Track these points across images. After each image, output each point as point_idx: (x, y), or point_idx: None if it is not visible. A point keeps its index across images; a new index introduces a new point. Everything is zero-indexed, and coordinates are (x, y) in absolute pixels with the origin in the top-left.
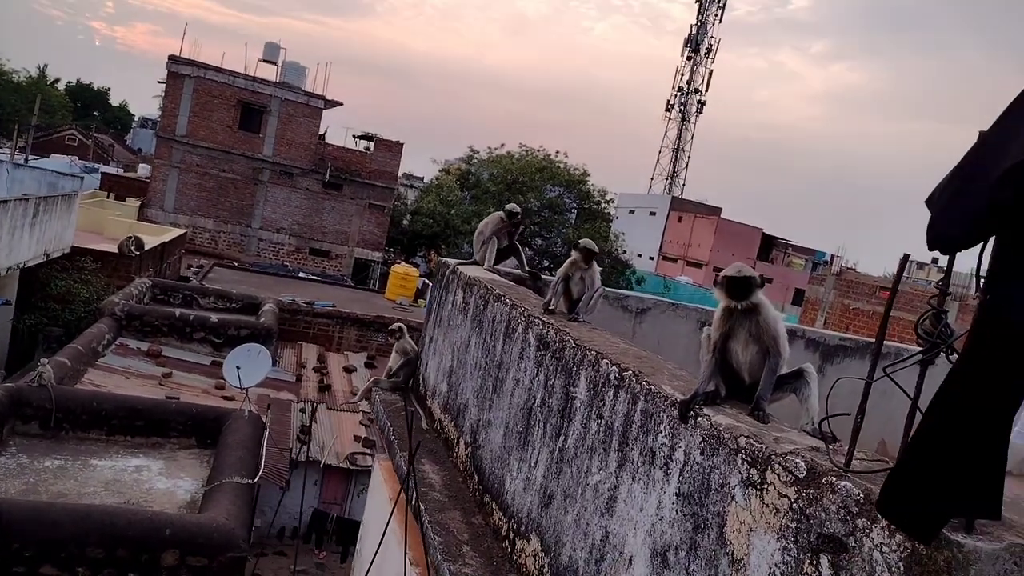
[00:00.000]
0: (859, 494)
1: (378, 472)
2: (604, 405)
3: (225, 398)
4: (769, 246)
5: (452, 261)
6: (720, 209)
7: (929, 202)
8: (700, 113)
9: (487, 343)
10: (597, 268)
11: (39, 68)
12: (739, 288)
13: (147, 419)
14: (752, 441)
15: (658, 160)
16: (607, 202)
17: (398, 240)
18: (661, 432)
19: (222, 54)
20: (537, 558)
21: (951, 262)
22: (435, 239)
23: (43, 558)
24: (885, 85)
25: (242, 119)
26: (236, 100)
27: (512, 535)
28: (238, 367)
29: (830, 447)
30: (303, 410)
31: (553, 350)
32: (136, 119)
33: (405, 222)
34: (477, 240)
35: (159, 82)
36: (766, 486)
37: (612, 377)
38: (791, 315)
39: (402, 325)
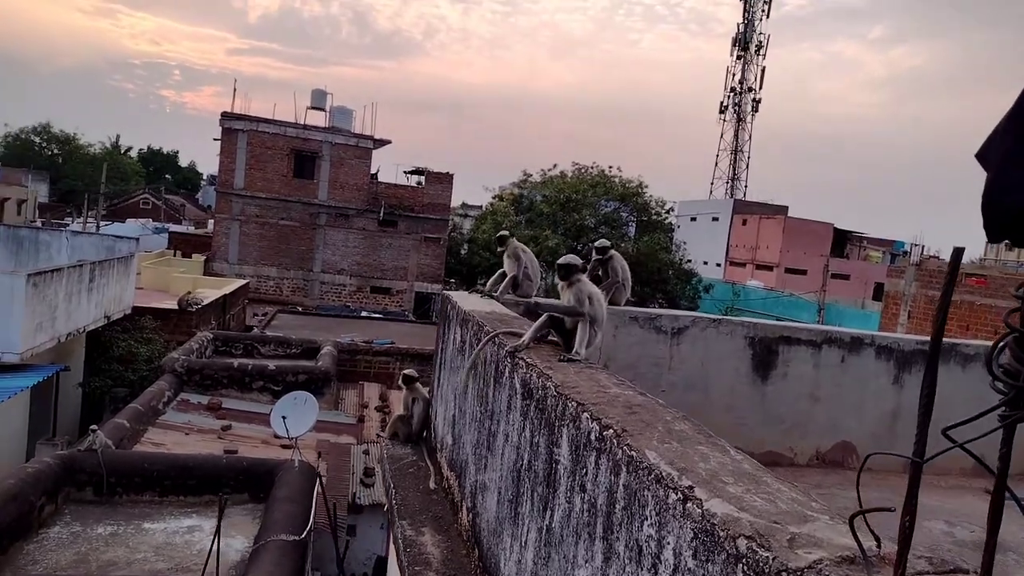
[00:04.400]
0: None
1: (391, 541)
2: (586, 474)
3: (285, 447)
4: (843, 241)
5: (453, 294)
6: (786, 208)
7: (982, 157)
8: (756, 112)
9: (481, 389)
10: (587, 288)
11: (110, 139)
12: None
13: (199, 477)
14: (755, 545)
15: (716, 164)
16: (666, 212)
17: (457, 270)
18: (647, 519)
19: (273, 105)
20: None
21: None
22: (493, 268)
23: None
24: (951, 63)
25: (296, 167)
26: (289, 149)
27: None
28: (284, 417)
29: (868, 558)
30: (366, 452)
31: (536, 399)
32: (204, 177)
33: (463, 252)
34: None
35: (214, 139)
36: None
37: (593, 437)
38: (872, 311)
39: (415, 373)
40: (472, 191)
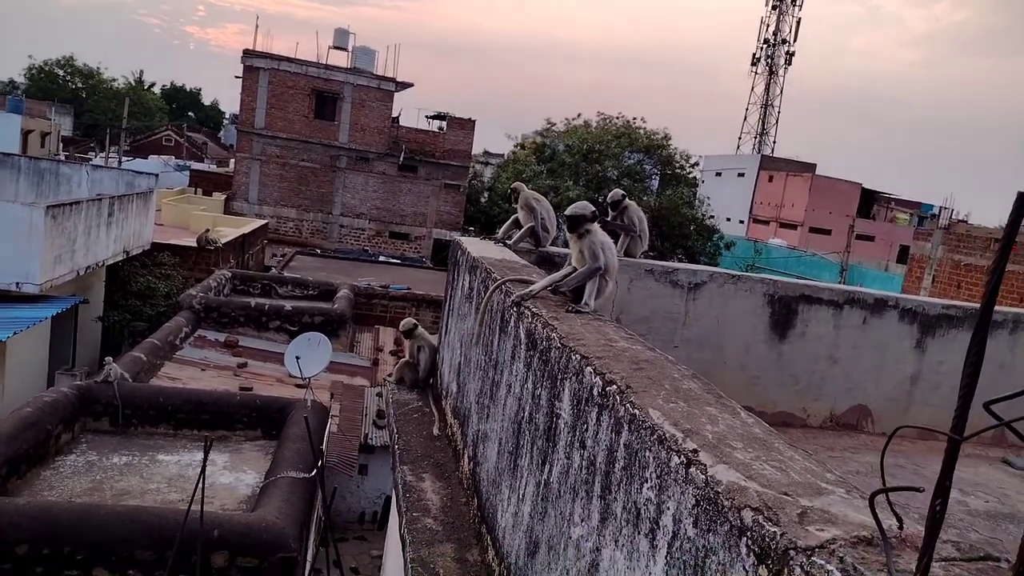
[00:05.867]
0: None
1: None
2: (587, 431)
3: (299, 387)
4: (870, 201)
5: (464, 240)
6: (814, 166)
7: None
8: (789, 65)
9: (487, 337)
10: (599, 238)
11: (133, 74)
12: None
13: (212, 412)
14: (761, 518)
15: (745, 118)
16: (691, 166)
17: (476, 218)
18: (646, 482)
19: (295, 44)
20: None
21: None
22: (511, 215)
23: (95, 561)
24: (996, 19)
25: (317, 107)
26: (310, 89)
27: None
28: (297, 357)
29: (887, 540)
30: (379, 394)
31: (540, 350)
32: (227, 116)
33: (483, 200)
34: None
35: (236, 77)
36: None
37: (595, 392)
38: (895, 274)
39: (414, 321)
40: (494, 139)
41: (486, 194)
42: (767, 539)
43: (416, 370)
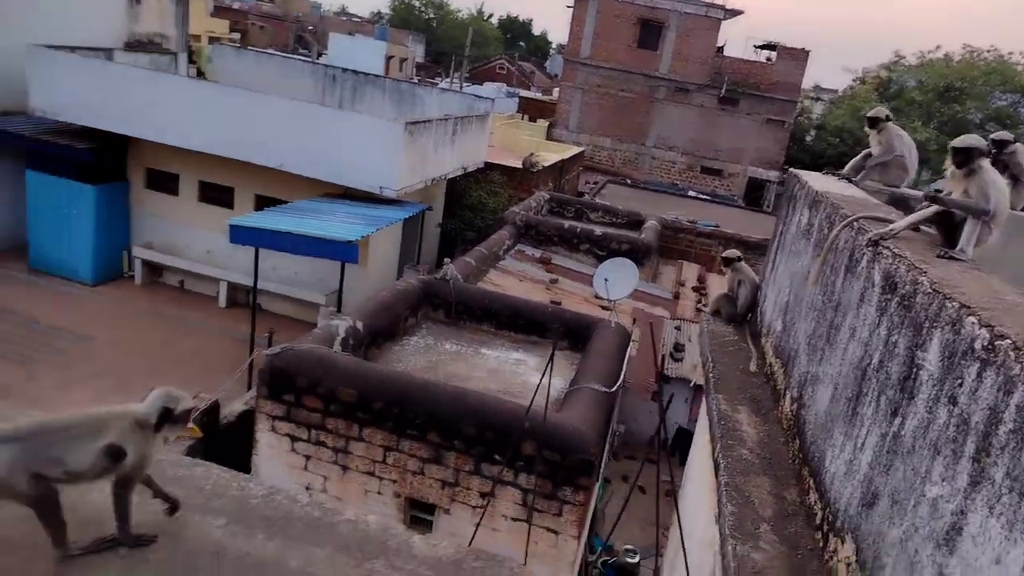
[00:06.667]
0: None
1: (703, 412)
2: (961, 387)
3: (603, 308)
4: None
5: (804, 173)
6: None
7: None
8: None
9: (827, 277)
10: (991, 176)
11: (475, 5)
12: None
13: (527, 319)
14: None
15: None
16: None
17: (799, 159)
18: None
19: None
20: (850, 569)
21: None
22: (842, 159)
23: (429, 426)
24: None
25: (641, 37)
26: (636, 18)
27: (826, 527)
28: (606, 279)
29: None
30: (678, 328)
31: (901, 295)
32: (553, 46)
33: (808, 138)
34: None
35: (567, 7)
36: None
37: (978, 346)
38: None
39: (738, 252)
40: (829, 73)
41: (813, 132)
42: None
43: (734, 304)
